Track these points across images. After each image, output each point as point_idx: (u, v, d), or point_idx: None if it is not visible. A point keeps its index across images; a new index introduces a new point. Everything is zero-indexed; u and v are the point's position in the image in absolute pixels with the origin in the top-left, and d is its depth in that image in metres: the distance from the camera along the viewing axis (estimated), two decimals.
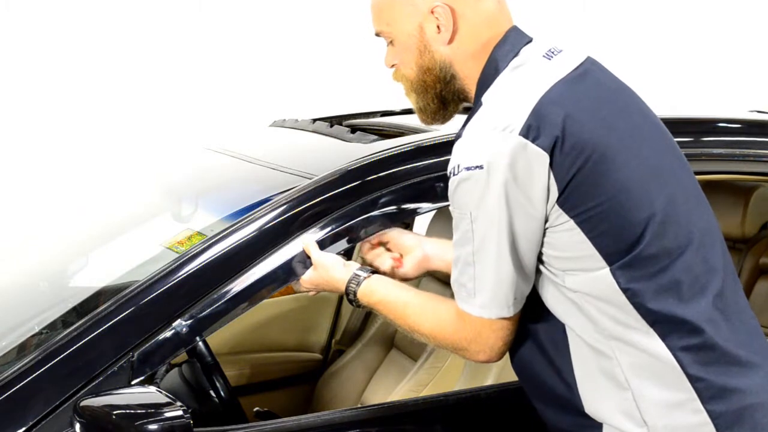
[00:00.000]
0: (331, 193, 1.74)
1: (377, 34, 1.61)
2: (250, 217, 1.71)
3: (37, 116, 4.48)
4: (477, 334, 1.47)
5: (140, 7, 4.60)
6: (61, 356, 1.55)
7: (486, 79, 1.49)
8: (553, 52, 1.49)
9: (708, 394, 1.41)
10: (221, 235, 1.69)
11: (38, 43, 4.45)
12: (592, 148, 1.37)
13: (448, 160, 1.80)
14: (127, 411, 1.46)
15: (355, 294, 1.63)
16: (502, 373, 2.33)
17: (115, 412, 1.45)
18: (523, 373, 1.58)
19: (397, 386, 2.62)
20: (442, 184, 1.80)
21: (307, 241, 1.69)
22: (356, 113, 2.66)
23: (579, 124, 1.37)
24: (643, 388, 1.42)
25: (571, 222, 1.38)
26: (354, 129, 2.14)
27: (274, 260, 1.67)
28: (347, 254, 3.19)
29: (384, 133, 2.13)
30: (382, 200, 1.75)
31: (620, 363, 1.43)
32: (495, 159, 1.35)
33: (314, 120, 2.42)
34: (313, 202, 1.73)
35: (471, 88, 1.54)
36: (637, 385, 1.42)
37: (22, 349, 1.80)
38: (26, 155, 4.46)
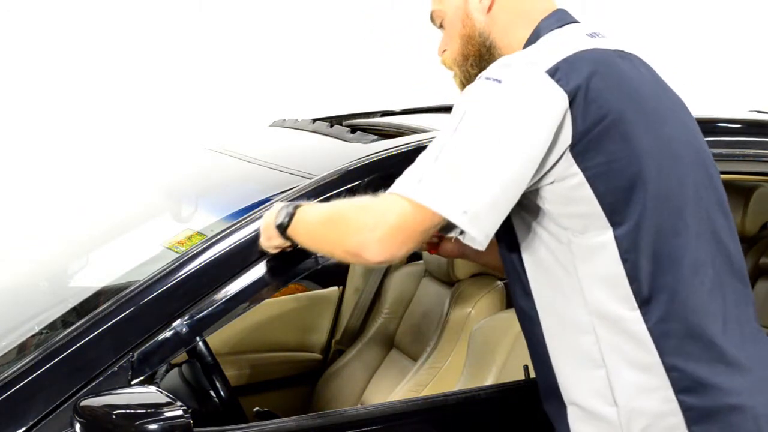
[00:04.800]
0: (331, 193, 1.74)
1: (431, 16, 1.67)
2: (250, 217, 1.71)
3: (37, 116, 4.48)
4: (380, 216, 1.35)
5: (140, 8, 4.60)
6: (61, 356, 1.55)
7: (528, 45, 1.54)
8: (597, 34, 1.53)
9: (682, 385, 1.41)
10: (221, 235, 1.69)
11: (38, 43, 4.45)
12: (609, 108, 1.39)
13: None
14: (127, 411, 1.46)
15: (284, 213, 1.54)
16: (502, 373, 2.33)
17: (115, 412, 1.45)
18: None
19: (397, 386, 2.62)
20: None
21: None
22: (356, 113, 2.67)
23: (604, 83, 1.40)
24: (619, 368, 1.43)
25: (581, 175, 1.39)
26: (354, 129, 2.14)
27: (274, 260, 1.67)
28: None
29: (384, 133, 2.13)
30: None
31: (599, 340, 1.43)
32: (514, 80, 1.38)
33: (314, 120, 2.42)
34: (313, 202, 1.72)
35: None
36: (613, 364, 1.43)
37: (22, 349, 1.80)
38: (26, 155, 4.46)
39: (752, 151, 2.04)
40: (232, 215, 1.82)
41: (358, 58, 4.91)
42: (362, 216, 1.38)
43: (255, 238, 1.68)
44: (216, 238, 1.69)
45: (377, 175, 1.77)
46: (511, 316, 2.42)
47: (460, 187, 1.33)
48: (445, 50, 1.65)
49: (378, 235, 1.34)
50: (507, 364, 2.34)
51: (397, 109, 2.64)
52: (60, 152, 4.49)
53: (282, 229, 1.54)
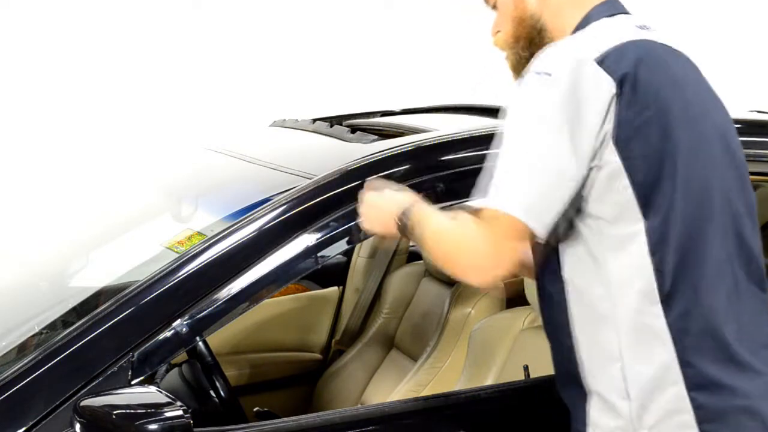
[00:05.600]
0: (331, 193, 1.74)
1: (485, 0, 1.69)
2: (250, 217, 1.71)
3: (37, 116, 4.48)
4: (481, 237, 1.41)
5: (140, 7, 4.60)
6: (61, 356, 1.55)
7: (577, 31, 1.56)
8: (647, 27, 1.54)
9: (695, 382, 1.41)
10: (221, 235, 1.69)
11: (38, 43, 4.45)
12: (655, 97, 1.41)
13: (448, 161, 1.82)
14: (127, 411, 1.46)
15: (406, 212, 1.56)
16: (502, 373, 2.33)
17: (115, 412, 1.45)
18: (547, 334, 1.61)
19: (397, 386, 2.62)
20: (442, 185, 1.80)
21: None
22: (356, 113, 2.66)
23: (651, 74, 1.42)
24: (634, 362, 1.43)
25: (620, 164, 1.40)
26: (354, 129, 2.14)
27: (274, 260, 1.67)
28: (347, 254, 3.20)
29: (384, 133, 2.13)
30: None
31: (619, 332, 1.44)
32: (564, 71, 1.40)
33: (314, 120, 2.42)
34: (313, 202, 1.73)
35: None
36: (629, 357, 1.43)
37: (22, 349, 1.80)
38: (26, 155, 4.46)
39: (752, 151, 2.04)
40: (232, 215, 1.82)
41: (358, 58, 4.92)
42: (452, 246, 1.45)
43: (255, 238, 1.68)
44: (216, 238, 1.69)
45: (377, 176, 1.77)
46: (511, 315, 2.43)
47: (525, 188, 1.39)
48: (498, 32, 1.67)
49: (469, 260, 1.43)
50: (507, 364, 2.34)
51: (397, 109, 2.64)
52: (60, 152, 4.49)
53: (402, 229, 1.56)
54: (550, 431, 1.78)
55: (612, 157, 1.40)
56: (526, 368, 2.08)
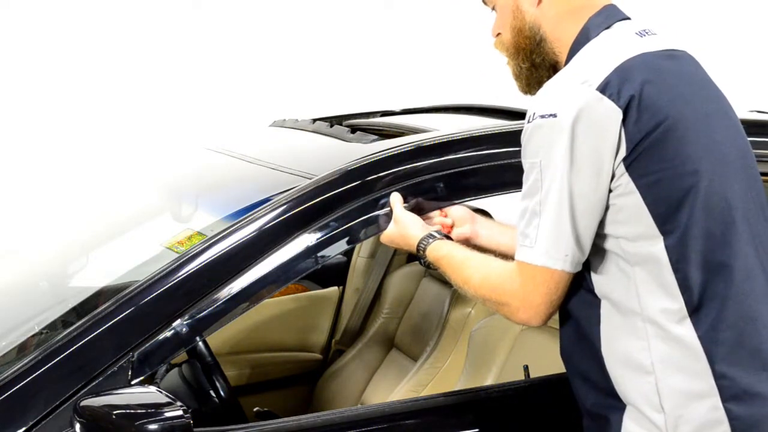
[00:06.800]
0: (331, 193, 1.74)
1: (483, 1, 1.69)
2: (250, 217, 1.71)
3: (37, 116, 4.48)
4: (521, 288, 1.45)
5: (140, 7, 4.60)
6: (61, 356, 1.55)
7: (577, 47, 1.54)
8: (646, 32, 1.53)
9: (730, 393, 1.40)
10: (221, 235, 1.69)
11: (38, 43, 4.45)
12: (665, 115, 1.40)
13: (448, 160, 1.82)
14: (127, 411, 1.46)
15: (424, 250, 1.67)
16: (502, 373, 2.33)
17: (115, 412, 1.45)
18: (562, 350, 1.61)
19: (397, 386, 2.62)
20: (442, 184, 1.80)
21: (395, 197, 1.75)
22: (356, 113, 2.67)
23: (657, 90, 1.41)
24: (667, 375, 1.42)
25: (632, 185, 1.40)
26: (354, 129, 2.14)
27: (274, 260, 1.67)
28: (347, 254, 3.20)
29: (384, 133, 2.13)
30: (382, 200, 1.75)
31: (650, 347, 1.43)
32: (569, 109, 1.39)
33: (314, 120, 2.42)
34: (313, 202, 1.73)
35: (561, 51, 1.58)
36: (662, 371, 1.42)
37: (22, 349, 1.80)
38: (26, 155, 4.46)
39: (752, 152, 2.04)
40: (232, 215, 1.82)
41: (358, 58, 4.92)
42: (492, 291, 1.51)
43: (255, 238, 1.68)
44: (216, 238, 1.69)
45: (377, 175, 1.77)
46: None
47: (558, 238, 1.41)
48: (498, 34, 1.66)
49: (513, 310, 1.48)
50: (507, 364, 2.34)
51: (397, 109, 2.64)
52: (60, 152, 4.49)
53: (424, 263, 1.69)
54: (550, 431, 1.78)
55: (623, 179, 1.40)
56: (526, 368, 2.08)
